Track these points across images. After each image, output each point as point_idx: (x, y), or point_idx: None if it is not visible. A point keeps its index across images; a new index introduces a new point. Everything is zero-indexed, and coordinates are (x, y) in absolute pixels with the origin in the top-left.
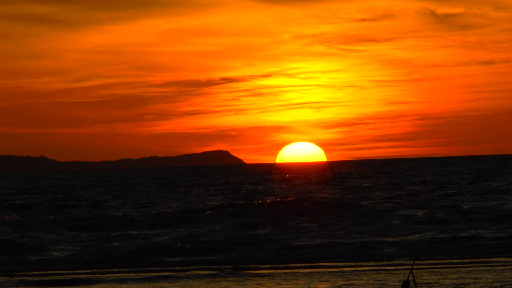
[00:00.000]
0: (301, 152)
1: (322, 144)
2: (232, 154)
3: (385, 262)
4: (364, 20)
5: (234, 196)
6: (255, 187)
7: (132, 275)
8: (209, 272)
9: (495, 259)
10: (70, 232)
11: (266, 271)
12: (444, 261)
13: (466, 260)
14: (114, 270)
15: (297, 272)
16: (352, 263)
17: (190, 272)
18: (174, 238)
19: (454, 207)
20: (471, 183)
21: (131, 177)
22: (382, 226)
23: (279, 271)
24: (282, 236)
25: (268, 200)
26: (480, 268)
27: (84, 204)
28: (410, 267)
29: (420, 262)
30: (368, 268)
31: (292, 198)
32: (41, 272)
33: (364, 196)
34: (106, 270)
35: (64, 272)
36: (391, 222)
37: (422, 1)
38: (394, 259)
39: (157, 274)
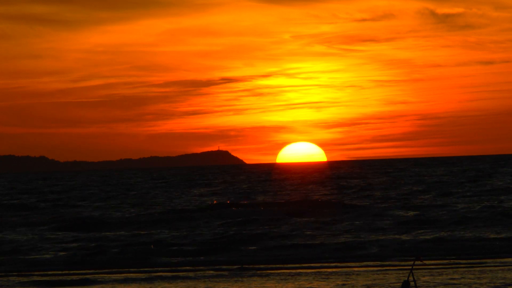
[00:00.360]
0: (301, 152)
1: (322, 144)
2: (232, 154)
3: (384, 262)
4: (364, 20)
5: (233, 196)
6: (254, 187)
7: (132, 275)
8: (211, 272)
9: (495, 259)
10: (69, 232)
11: (266, 271)
12: (443, 261)
13: (465, 260)
14: (114, 270)
15: (297, 272)
16: (352, 263)
17: (190, 273)
18: (173, 238)
19: (453, 207)
20: (470, 183)
21: (131, 177)
22: (381, 226)
23: (278, 271)
24: (281, 236)
25: (268, 200)
26: (479, 268)
27: (83, 204)
28: (410, 267)
29: (419, 262)
30: (367, 268)
31: (292, 198)
32: (40, 273)
33: (363, 196)
34: (106, 270)
35: (63, 272)
36: (390, 222)
37: (422, 1)
38: (393, 259)
39: (157, 274)
